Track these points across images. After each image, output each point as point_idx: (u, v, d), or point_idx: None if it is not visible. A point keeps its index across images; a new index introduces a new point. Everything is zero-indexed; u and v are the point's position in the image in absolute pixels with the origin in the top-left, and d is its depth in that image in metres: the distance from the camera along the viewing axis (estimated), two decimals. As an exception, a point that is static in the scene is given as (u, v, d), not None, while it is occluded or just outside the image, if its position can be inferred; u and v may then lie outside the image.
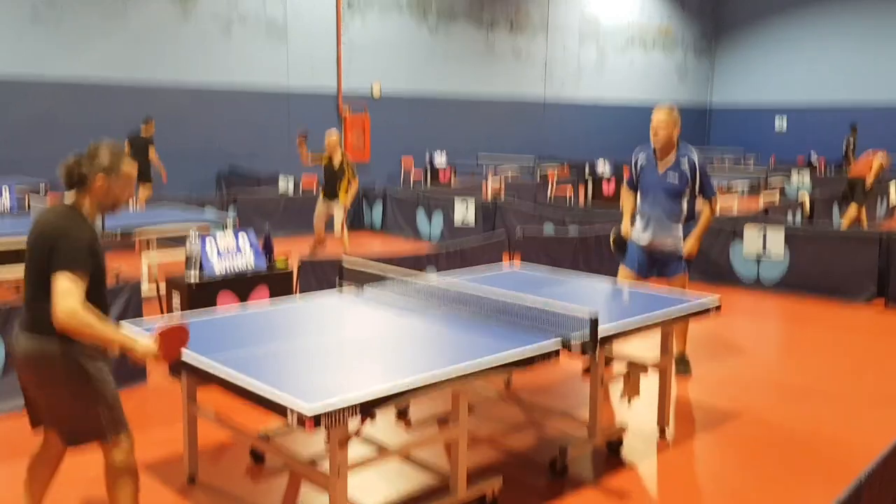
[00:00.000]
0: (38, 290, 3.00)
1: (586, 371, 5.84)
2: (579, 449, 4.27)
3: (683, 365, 5.79)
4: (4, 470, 4.16)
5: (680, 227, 5.66)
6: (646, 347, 5.21)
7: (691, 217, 5.71)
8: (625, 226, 5.80)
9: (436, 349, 3.70)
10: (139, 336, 3.12)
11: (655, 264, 5.73)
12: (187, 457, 4.00)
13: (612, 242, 5.86)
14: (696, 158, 5.57)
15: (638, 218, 5.79)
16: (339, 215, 9.97)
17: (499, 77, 21.19)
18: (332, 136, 9.98)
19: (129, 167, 3.20)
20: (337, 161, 9.86)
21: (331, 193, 10.17)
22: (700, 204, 5.68)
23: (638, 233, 5.76)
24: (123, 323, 3.83)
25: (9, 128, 13.34)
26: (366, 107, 18.35)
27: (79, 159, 3.12)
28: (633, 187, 5.82)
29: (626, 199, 5.88)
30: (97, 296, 3.08)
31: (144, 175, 14.28)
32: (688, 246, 5.64)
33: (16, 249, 6.61)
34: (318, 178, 12.51)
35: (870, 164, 11.72)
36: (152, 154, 13.37)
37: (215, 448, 4.41)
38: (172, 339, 3.05)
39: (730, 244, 8.98)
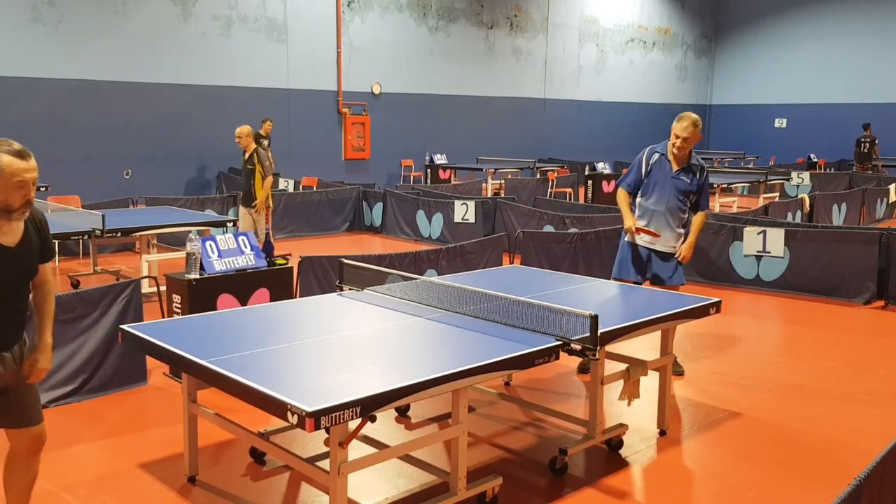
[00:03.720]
0: None
1: (581, 371, 5.84)
2: (579, 448, 4.27)
3: (674, 365, 5.65)
4: None
5: (680, 228, 5.68)
6: (643, 348, 5.21)
7: (687, 222, 5.78)
8: (628, 220, 5.67)
9: (436, 349, 3.71)
10: None
11: (652, 265, 5.71)
12: (187, 457, 4.00)
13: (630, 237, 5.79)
14: (706, 168, 5.73)
15: (638, 215, 5.75)
16: (261, 222, 8.65)
17: (499, 77, 21.19)
18: (242, 128, 8.63)
19: (13, 165, 2.77)
20: (248, 157, 8.57)
21: (246, 199, 8.68)
22: (694, 213, 5.77)
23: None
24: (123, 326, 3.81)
25: (9, 128, 13.31)
26: (366, 107, 18.36)
27: None
28: (632, 189, 5.76)
29: (623, 196, 5.78)
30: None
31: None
32: (683, 251, 5.64)
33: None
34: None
35: None
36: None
37: (215, 448, 4.41)
38: None
39: (729, 243, 8.98)
